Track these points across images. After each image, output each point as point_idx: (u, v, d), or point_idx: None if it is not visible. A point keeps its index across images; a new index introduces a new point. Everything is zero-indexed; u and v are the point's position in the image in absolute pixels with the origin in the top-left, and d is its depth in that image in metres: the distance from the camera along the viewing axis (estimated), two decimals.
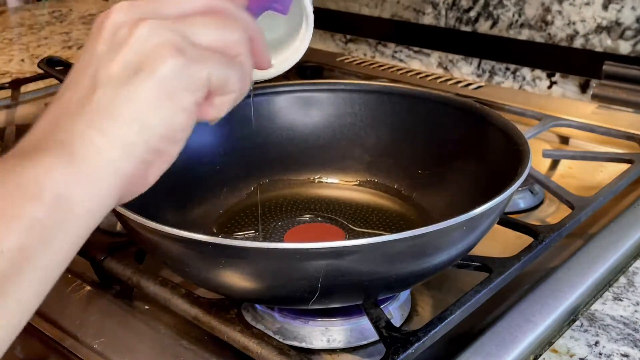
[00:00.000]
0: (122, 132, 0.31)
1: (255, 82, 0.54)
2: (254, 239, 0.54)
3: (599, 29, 0.85)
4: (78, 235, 0.32)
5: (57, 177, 0.29)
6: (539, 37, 0.90)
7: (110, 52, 0.32)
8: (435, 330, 0.42)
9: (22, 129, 0.65)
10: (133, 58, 0.31)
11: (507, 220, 0.55)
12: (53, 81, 0.90)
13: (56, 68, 0.85)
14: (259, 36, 0.36)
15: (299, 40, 0.51)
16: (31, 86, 0.92)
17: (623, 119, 0.80)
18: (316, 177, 0.62)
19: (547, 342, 0.46)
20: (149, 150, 0.32)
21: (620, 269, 0.53)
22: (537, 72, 0.92)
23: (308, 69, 0.99)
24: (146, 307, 0.50)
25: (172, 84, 0.31)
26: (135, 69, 0.31)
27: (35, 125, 0.32)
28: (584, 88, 0.89)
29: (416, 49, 1.03)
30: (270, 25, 0.51)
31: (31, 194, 0.29)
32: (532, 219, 0.62)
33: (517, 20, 0.92)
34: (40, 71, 0.87)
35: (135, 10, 0.33)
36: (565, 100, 0.89)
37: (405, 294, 0.49)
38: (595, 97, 0.84)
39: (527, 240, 0.52)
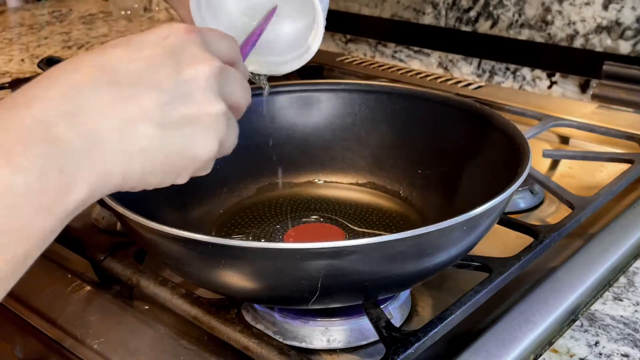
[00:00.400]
0: (134, 173, 0.32)
1: (268, 79, 0.55)
2: (253, 239, 0.54)
3: (599, 29, 0.85)
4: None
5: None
6: (539, 37, 0.90)
7: (184, 98, 0.33)
8: (435, 330, 0.42)
9: None
10: (192, 120, 0.33)
11: (507, 220, 0.55)
12: None
13: None
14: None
15: (310, 39, 0.51)
16: None
17: (623, 119, 0.80)
18: (316, 177, 0.62)
19: (547, 342, 0.46)
20: (130, 188, 0.34)
21: (620, 269, 0.53)
22: (537, 72, 0.92)
23: (308, 69, 0.99)
24: (146, 307, 0.50)
25: (192, 168, 0.34)
26: (182, 127, 0.33)
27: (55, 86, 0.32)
28: (584, 88, 0.89)
29: (416, 49, 1.03)
30: (281, 21, 0.51)
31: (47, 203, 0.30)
32: (532, 219, 0.62)
33: (517, 20, 0.92)
34: (40, 71, 0.87)
35: (222, 81, 0.35)
36: (565, 100, 0.89)
37: (405, 294, 0.49)
38: (595, 97, 0.84)
39: (527, 240, 0.52)
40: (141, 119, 0.32)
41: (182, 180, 0.35)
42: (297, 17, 0.52)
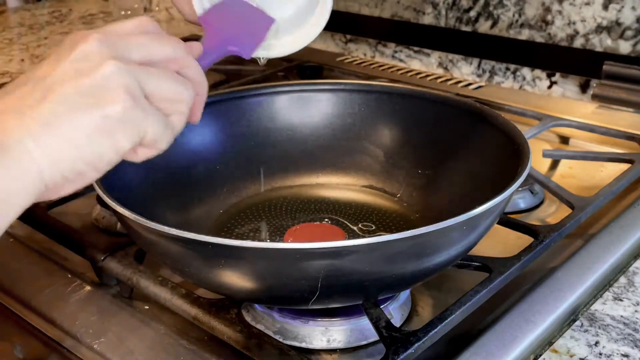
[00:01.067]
0: (55, 148, 0.32)
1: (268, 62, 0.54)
2: (253, 239, 0.54)
3: (599, 29, 0.85)
4: None
5: None
6: (539, 37, 0.90)
7: (73, 73, 0.34)
8: (435, 330, 0.42)
9: None
10: (91, 89, 0.33)
11: (507, 220, 0.55)
12: None
13: None
14: (204, 93, 0.41)
15: (314, 19, 0.51)
16: None
17: (623, 119, 0.80)
18: (316, 177, 0.62)
19: (547, 342, 0.46)
20: (73, 171, 0.33)
21: (620, 269, 0.53)
22: (537, 72, 0.92)
23: (308, 69, 0.99)
24: (146, 307, 0.50)
25: (115, 126, 0.34)
26: (89, 99, 0.33)
27: None
28: (584, 88, 0.89)
29: (416, 49, 1.03)
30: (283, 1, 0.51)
31: None
32: (532, 219, 0.62)
33: (517, 20, 0.92)
34: None
35: (110, 45, 0.35)
36: (565, 100, 0.89)
37: (405, 294, 0.49)
38: (595, 97, 0.84)
39: (527, 240, 0.52)
40: (36, 103, 0.33)
41: (122, 145, 0.34)
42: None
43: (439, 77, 0.98)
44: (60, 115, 0.33)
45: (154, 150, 0.37)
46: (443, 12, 0.98)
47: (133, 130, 0.34)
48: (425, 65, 1.03)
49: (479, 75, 0.98)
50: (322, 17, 0.51)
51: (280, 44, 0.53)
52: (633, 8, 0.82)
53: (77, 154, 0.33)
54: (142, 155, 0.37)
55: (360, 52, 1.10)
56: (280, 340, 0.44)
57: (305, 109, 0.62)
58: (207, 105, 0.58)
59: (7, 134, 0.32)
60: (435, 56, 1.02)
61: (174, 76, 0.37)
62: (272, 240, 0.53)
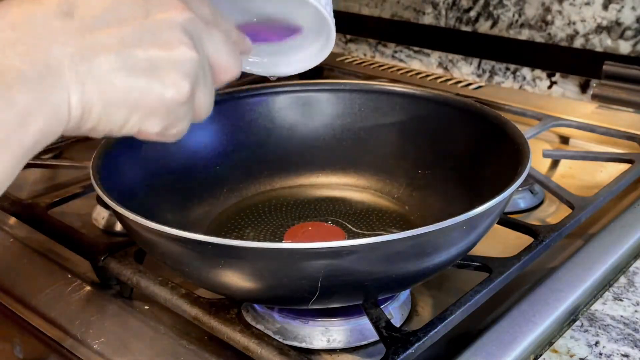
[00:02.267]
0: (93, 102, 0.30)
1: (266, 79, 0.54)
2: (253, 239, 0.54)
3: (599, 29, 0.85)
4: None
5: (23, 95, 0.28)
6: (539, 37, 0.90)
7: (151, 38, 0.32)
8: (435, 330, 0.42)
9: None
10: (159, 62, 0.32)
11: (507, 220, 0.55)
12: None
13: None
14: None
15: (320, 45, 0.51)
16: None
17: (623, 119, 0.80)
18: (316, 177, 0.62)
19: (548, 342, 0.46)
20: (91, 124, 0.32)
21: (620, 269, 0.53)
22: (537, 72, 0.92)
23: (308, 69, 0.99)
24: (146, 307, 0.50)
25: (160, 109, 0.33)
26: (155, 71, 0.32)
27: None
28: (584, 88, 0.89)
29: (416, 49, 1.03)
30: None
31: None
32: (532, 219, 0.62)
33: (517, 20, 0.92)
34: None
35: (195, 32, 0.34)
36: (565, 100, 0.89)
37: (405, 294, 0.49)
38: (595, 97, 0.84)
39: (527, 240, 0.52)
40: (101, 49, 0.30)
41: (150, 128, 0.33)
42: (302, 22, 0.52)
43: (439, 77, 0.98)
44: (118, 74, 0.31)
45: (160, 139, 0.36)
46: (443, 12, 0.98)
47: (169, 120, 0.33)
48: (425, 65, 1.03)
49: (479, 75, 0.98)
50: (329, 41, 0.51)
51: (278, 64, 0.53)
52: (633, 8, 0.82)
53: (108, 115, 0.31)
54: (148, 137, 0.36)
55: (360, 52, 1.10)
56: (280, 340, 0.44)
57: (305, 109, 0.62)
58: None
59: (55, 63, 0.29)
60: (435, 56, 1.02)
61: (227, 43, 0.37)
62: (272, 241, 0.53)
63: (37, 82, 0.28)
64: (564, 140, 0.79)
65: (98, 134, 0.33)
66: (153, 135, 0.35)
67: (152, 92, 0.32)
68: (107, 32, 0.31)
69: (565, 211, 0.57)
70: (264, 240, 0.53)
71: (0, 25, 0.29)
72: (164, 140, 0.36)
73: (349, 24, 1.09)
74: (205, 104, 0.36)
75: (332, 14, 0.48)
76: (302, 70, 0.52)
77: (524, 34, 0.91)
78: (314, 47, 0.51)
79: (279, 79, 0.56)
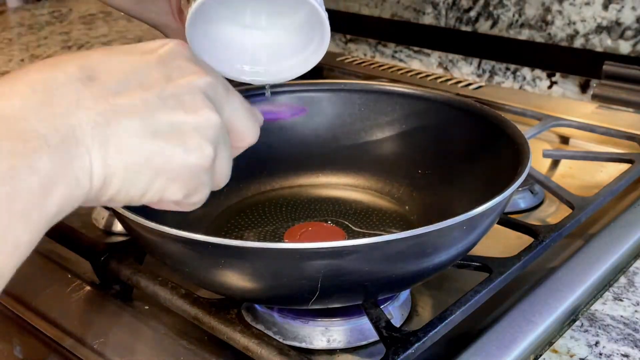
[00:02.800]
0: (113, 171, 0.29)
1: (260, 87, 0.55)
2: (253, 239, 0.54)
3: (599, 29, 0.85)
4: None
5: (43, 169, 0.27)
6: (539, 37, 0.90)
7: (174, 103, 0.31)
8: (435, 330, 0.42)
9: None
10: (182, 127, 0.31)
11: (507, 220, 0.55)
12: None
13: None
14: None
15: (312, 48, 0.51)
16: None
17: (623, 119, 0.80)
18: (316, 177, 0.62)
19: (548, 342, 0.46)
20: (110, 197, 0.30)
21: (620, 269, 0.53)
22: (537, 72, 0.92)
23: None
24: (146, 307, 0.50)
25: (182, 175, 0.32)
26: (177, 136, 0.31)
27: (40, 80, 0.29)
28: (584, 88, 0.89)
29: (416, 49, 1.03)
30: (283, 27, 0.51)
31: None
32: (532, 219, 0.62)
33: (517, 20, 0.92)
34: None
35: (215, 93, 0.34)
36: (566, 100, 0.89)
37: (405, 294, 0.49)
38: (595, 97, 0.84)
39: (527, 240, 0.52)
40: (124, 114, 0.29)
41: (171, 195, 0.32)
42: (297, 25, 0.52)
43: (439, 77, 0.98)
44: (141, 139, 0.30)
45: (176, 208, 0.35)
46: (443, 12, 0.98)
47: (192, 186, 0.32)
48: (425, 65, 1.03)
49: (479, 75, 0.98)
50: (321, 46, 0.51)
51: (277, 70, 0.53)
52: (633, 8, 0.82)
53: (129, 185, 0.30)
54: (166, 207, 0.34)
55: (360, 52, 1.10)
56: (280, 340, 0.44)
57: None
58: None
59: (78, 130, 0.28)
60: (435, 56, 1.02)
61: (245, 105, 0.37)
62: (272, 241, 0.53)
63: (59, 148, 0.27)
64: (564, 140, 0.79)
65: (118, 202, 0.31)
66: (173, 204, 0.34)
67: (176, 157, 0.31)
68: (130, 96, 0.30)
69: (565, 211, 0.57)
70: (264, 240, 0.53)
71: (20, 89, 0.28)
72: (182, 210, 0.35)
73: (349, 24, 1.09)
74: (224, 170, 0.35)
75: (325, 12, 0.48)
76: (300, 74, 0.52)
77: (524, 34, 0.91)
78: (309, 49, 0.51)
79: None
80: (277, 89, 0.61)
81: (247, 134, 0.37)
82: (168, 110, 0.31)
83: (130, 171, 0.30)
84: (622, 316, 0.48)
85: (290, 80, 0.53)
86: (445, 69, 1.01)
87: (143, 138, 0.30)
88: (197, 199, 0.34)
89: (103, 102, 0.29)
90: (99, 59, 0.31)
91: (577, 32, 0.87)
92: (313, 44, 0.50)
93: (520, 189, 0.60)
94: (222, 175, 0.35)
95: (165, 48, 0.33)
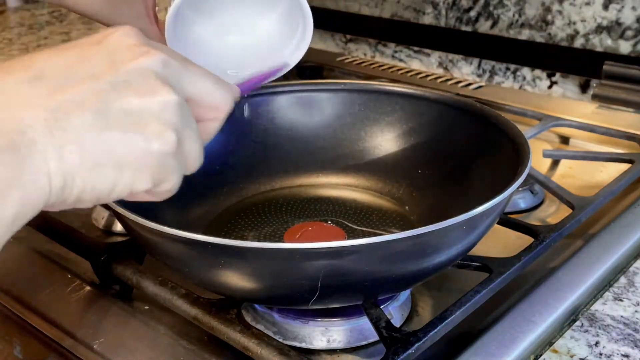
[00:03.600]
0: (75, 168, 0.28)
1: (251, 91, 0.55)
2: (253, 239, 0.54)
3: (599, 29, 0.85)
4: None
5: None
6: (539, 37, 0.90)
7: (126, 88, 0.30)
8: (436, 330, 0.42)
9: None
10: (140, 113, 0.30)
11: (507, 220, 0.55)
12: None
13: None
14: None
15: (295, 42, 0.51)
16: None
17: (623, 119, 0.80)
18: (316, 177, 0.62)
19: (548, 342, 0.46)
20: (76, 197, 0.29)
21: (621, 269, 0.53)
22: (537, 72, 0.92)
23: (308, 69, 0.99)
24: (146, 307, 0.50)
25: (149, 163, 0.30)
26: (135, 124, 0.30)
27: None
28: (584, 88, 0.89)
29: (416, 49, 1.03)
30: (263, 25, 0.51)
31: None
32: (532, 219, 0.62)
33: (517, 20, 0.91)
34: None
35: (172, 72, 0.32)
36: (566, 100, 0.89)
37: (405, 294, 0.49)
38: (595, 97, 0.84)
39: (527, 240, 0.52)
40: (73, 107, 0.28)
41: (140, 186, 0.31)
42: (279, 21, 0.52)
43: (439, 77, 0.98)
44: (97, 132, 0.29)
45: (152, 198, 0.33)
46: (443, 12, 0.98)
47: (159, 175, 0.31)
48: (425, 65, 1.03)
49: (479, 75, 0.98)
50: (304, 36, 0.51)
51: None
52: (633, 8, 0.82)
53: (94, 180, 0.29)
54: (139, 198, 0.33)
55: (360, 52, 1.10)
56: (280, 340, 0.44)
57: (305, 109, 0.62)
58: None
59: (29, 130, 0.27)
60: (435, 56, 1.02)
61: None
62: (272, 241, 0.53)
63: (10, 152, 0.26)
64: (564, 140, 0.79)
65: (87, 202, 0.30)
66: (144, 193, 0.32)
67: (136, 146, 0.30)
68: (78, 89, 0.29)
69: (565, 211, 0.57)
70: (264, 240, 0.53)
71: None
72: (155, 199, 0.34)
73: (349, 24, 1.09)
74: (194, 151, 0.33)
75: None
76: (285, 72, 0.52)
77: (524, 34, 0.91)
78: (292, 43, 0.51)
79: (278, 79, 0.56)
80: (277, 89, 0.61)
81: (219, 102, 0.35)
82: (121, 98, 0.30)
83: (91, 167, 0.29)
84: (622, 316, 0.48)
85: (289, 81, 0.53)
86: (445, 69, 1.01)
87: (98, 130, 0.29)
88: (168, 186, 0.33)
89: (51, 100, 0.28)
90: (46, 57, 0.30)
91: (577, 32, 0.87)
92: (296, 36, 0.50)
93: (520, 189, 0.60)
94: (193, 156, 0.34)
95: (112, 35, 0.32)
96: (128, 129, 0.30)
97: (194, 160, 0.34)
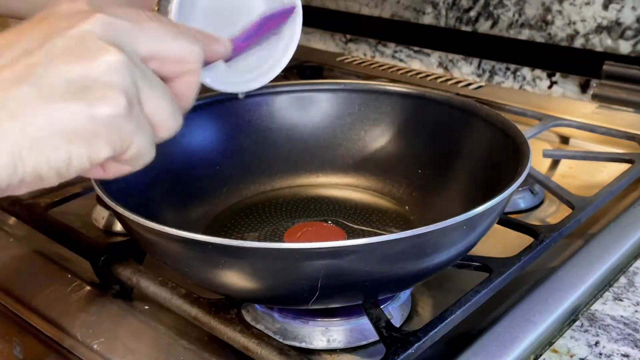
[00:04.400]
0: (19, 143, 0.28)
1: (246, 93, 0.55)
2: (253, 239, 0.54)
3: (599, 29, 0.85)
4: None
5: None
6: (539, 37, 0.90)
7: (65, 55, 0.29)
8: (436, 330, 0.42)
9: None
10: (82, 80, 0.29)
11: (507, 220, 0.55)
12: None
13: None
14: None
15: (279, 53, 0.51)
16: None
17: (623, 119, 0.80)
18: (316, 177, 0.62)
19: (548, 342, 0.46)
20: (33, 173, 0.29)
21: (621, 269, 0.53)
22: (537, 72, 0.92)
23: (308, 69, 0.99)
24: (146, 307, 0.50)
25: (99, 130, 0.29)
26: (76, 92, 0.28)
27: None
28: (584, 88, 0.89)
29: (416, 49, 1.03)
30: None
31: None
32: (532, 219, 0.62)
33: (517, 20, 0.92)
34: None
35: (117, 31, 0.30)
36: (566, 100, 0.89)
37: (405, 294, 0.49)
38: (595, 97, 0.84)
39: (527, 240, 0.52)
40: (11, 83, 0.28)
41: (98, 155, 0.29)
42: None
43: (439, 77, 0.98)
44: (36, 104, 0.28)
45: (128, 168, 0.32)
46: (443, 12, 0.98)
47: (117, 140, 0.30)
48: (425, 65, 1.03)
49: (479, 75, 0.98)
50: (295, 33, 0.51)
51: (250, 78, 0.53)
52: (633, 8, 0.82)
53: (44, 154, 0.28)
54: (112, 172, 0.32)
55: (360, 52, 1.10)
56: (280, 340, 0.44)
57: (305, 109, 0.62)
58: (207, 105, 0.58)
59: None
60: (435, 56, 1.02)
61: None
62: (272, 241, 0.53)
63: None
64: (564, 140, 0.79)
65: (49, 179, 0.29)
66: (119, 165, 0.31)
67: (80, 114, 0.28)
68: (14, 65, 0.28)
69: (565, 211, 0.57)
70: (264, 240, 0.53)
71: None
72: (129, 167, 0.32)
73: (349, 24, 1.09)
74: (161, 110, 0.32)
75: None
76: (275, 75, 0.53)
77: (524, 34, 0.91)
78: (280, 45, 0.51)
79: (278, 79, 0.56)
80: (277, 89, 0.61)
81: (181, 55, 0.33)
82: (60, 67, 0.29)
83: (38, 141, 0.28)
84: (622, 316, 0.48)
85: (289, 81, 0.53)
86: (445, 69, 1.01)
87: (38, 103, 0.28)
88: (135, 150, 0.31)
89: None
90: None
91: (577, 32, 0.87)
92: (284, 39, 0.50)
93: (520, 189, 0.60)
94: (162, 116, 0.32)
95: (56, 7, 0.31)
96: (69, 98, 0.28)
97: (163, 121, 0.32)
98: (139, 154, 0.31)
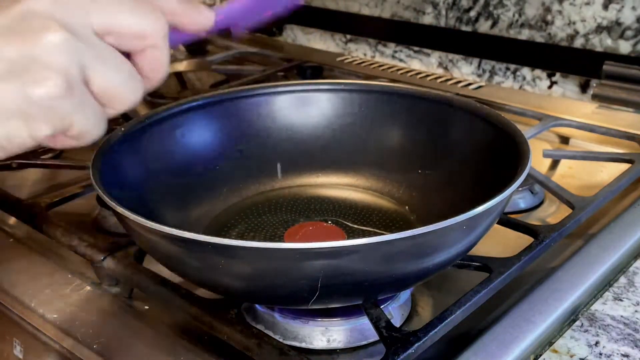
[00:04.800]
0: None
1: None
2: (253, 239, 0.54)
3: (599, 29, 0.85)
4: None
5: None
6: (539, 37, 0.90)
7: (7, 32, 0.29)
8: (436, 330, 0.42)
9: None
10: (21, 58, 0.29)
11: (507, 220, 0.55)
12: None
13: None
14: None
15: None
16: None
17: (623, 119, 0.80)
18: (316, 177, 0.62)
19: (548, 342, 0.46)
20: None
21: (621, 269, 0.53)
22: (537, 72, 0.92)
23: (308, 69, 0.99)
24: (146, 307, 0.50)
25: (36, 110, 0.29)
26: (14, 70, 0.29)
27: None
28: (584, 88, 0.89)
29: (416, 49, 1.03)
30: None
31: None
32: (532, 219, 0.62)
33: (517, 20, 0.92)
34: None
35: (64, 5, 0.30)
36: (566, 100, 0.89)
37: (405, 294, 0.49)
38: (595, 97, 0.84)
39: (527, 240, 0.52)
40: None
41: (40, 132, 0.30)
42: None
43: (439, 77, 0.98)
44: None
45: (78, 143, 0.33)
46: (443, 12, 0.98)
47: (56, 120, 0.30)
48: (425, 65, 1.03)
49: (479, 75, 0.98)
50: None
51: None
52: (633, 8, 0.82)
53: None
54: (61, 144, 0.33)
55: (360, 52, 1.10)
56: (280, 340, 0.44)
57: (305, 109, 0.62)
58: (207, 105, 0.59)
59: None
60: (435, 56, 1.02)
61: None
62: (272, 241, 0.53)
63: None
64: (564, 140, 0.79)
65: None
66: (66, 139, 0.31)
67: (15, 95, 0.29)
68: None
69: (565, 211, 0.57)
70: (264, 240, 0.53)
71: None
72: (77, 143, 0.32)
73: (349, 24, 1.09)
74: (114, 84, 0.31)
75: None
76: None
77: (524, 34, 0.91)
78: None
79: (279, 79, 0.56)
80: (277, 89, 0.61)
81: (140, 29, 0.33)
82: (1, 46, 0.29)
83: None
84: (622, 316, 0.48)
85: (289, 81, 0.53)
86: (445, 69, 1.01)
87: None
88: (79, 129, 0.31)
89: None
90: None
91: (577, 32, 0.87)
92: None
93: (520, 189, 0.60)
94: (113, 89, 0.32)
95: None
96: (6, 78, 0.29)
97: (118, 94, 0.32)
98: (83, 131, 0.31)
